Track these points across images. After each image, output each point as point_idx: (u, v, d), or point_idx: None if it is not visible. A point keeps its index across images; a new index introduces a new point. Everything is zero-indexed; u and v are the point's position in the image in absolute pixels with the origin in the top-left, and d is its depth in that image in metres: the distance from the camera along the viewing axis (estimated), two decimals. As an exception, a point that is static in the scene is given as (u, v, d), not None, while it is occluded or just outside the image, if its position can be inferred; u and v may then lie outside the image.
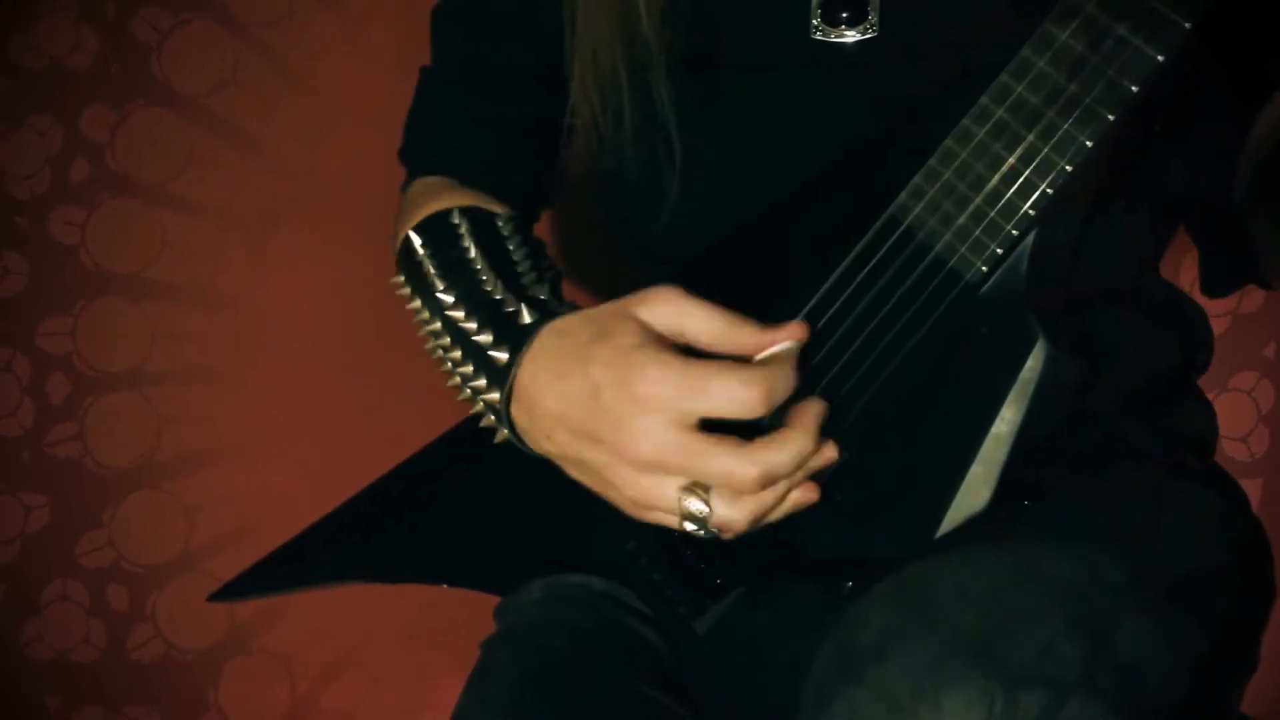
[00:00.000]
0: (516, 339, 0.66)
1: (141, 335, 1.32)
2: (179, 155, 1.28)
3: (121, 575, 1.36)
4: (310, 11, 1.27)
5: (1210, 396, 0.83)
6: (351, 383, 1.34)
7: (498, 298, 0.69)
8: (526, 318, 0.66)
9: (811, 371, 0.67)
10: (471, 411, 0.70)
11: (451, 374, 0.71)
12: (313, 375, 1.34)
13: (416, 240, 0.74)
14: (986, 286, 0.64)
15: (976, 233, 0.63)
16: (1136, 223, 0.75)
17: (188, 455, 1.35)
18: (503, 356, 0.66)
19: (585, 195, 0.84)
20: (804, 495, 0.63)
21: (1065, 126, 0.60)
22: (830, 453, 0.63)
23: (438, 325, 0.71)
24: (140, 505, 1.35)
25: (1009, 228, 0.62)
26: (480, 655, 0.76)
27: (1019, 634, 0.55)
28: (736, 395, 0.58)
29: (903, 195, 0.65)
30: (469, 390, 0.69)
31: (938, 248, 0.64)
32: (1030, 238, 0.62)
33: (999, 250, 0.62)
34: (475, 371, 0.68)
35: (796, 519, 0.64)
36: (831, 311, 0.67)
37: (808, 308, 0.68)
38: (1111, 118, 0.59)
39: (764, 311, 0.68)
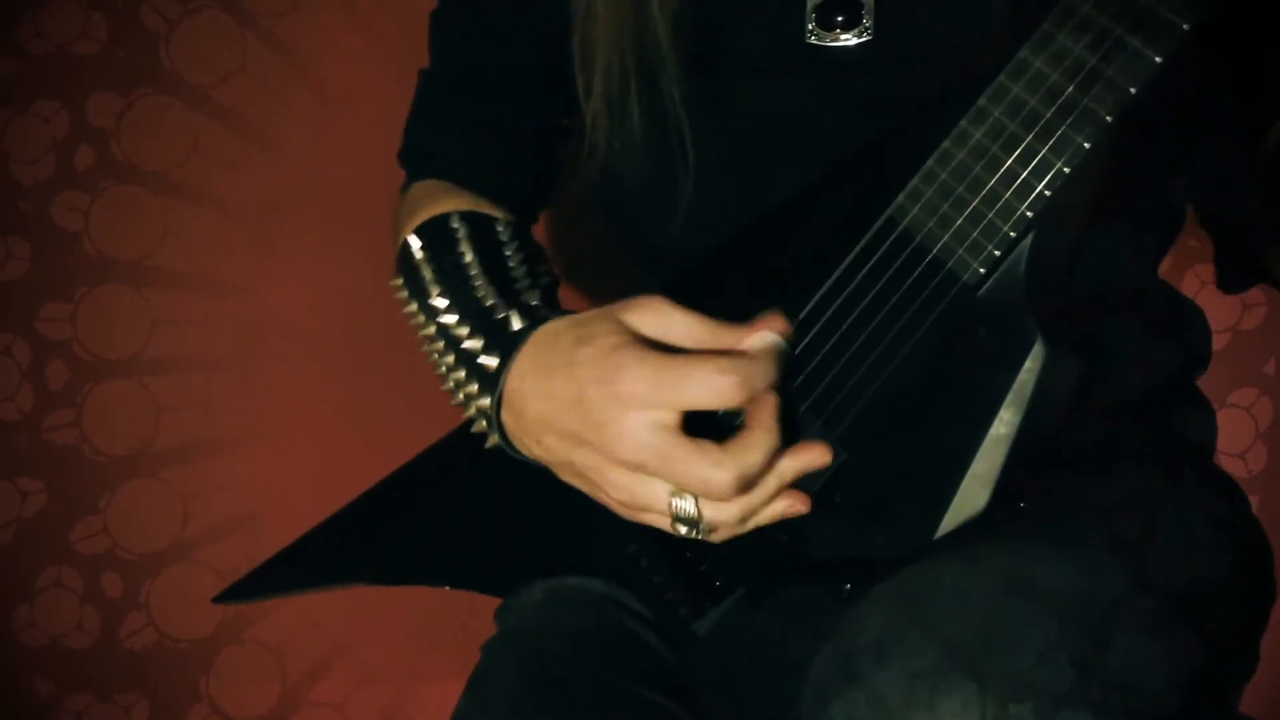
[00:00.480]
0: (506, 345, 0.66)
1: (142, 323, 1.32)
2: (184, 144, 1.28)
3: (116, 563, 1.36)
4: (319, 3, 1.27)
5: (1207, 411, 0.83)
6: (351, 377, 1.34)
7: (489, 304, 0.69)
8: (516, 324, 0.67)
9: (809, 374, 0.67)
10: (465, 416, 0.71)
11: (445, 378, 0.71)
12: (312, 368, 1.34)
13: (415, 244, 0.74)
14: (984, 288, 0.64)
15: (974, 234, 0.63)
16: (1136, 225, 0.75)
17: (185, 445, 1.35)
18: (492, 363, 0.66)
19: (585, 197, 0.84)
20: (794, 505, 0.64)
21: (1063, 128, 0.60)
22: (822, 454, 0.63)
23: (432, 330, 0.71)
24: (136, 493, 1.35)
25: (1007, 229, 0.62)
26: (480, 657, 0.76)
27: (1012, 644, 0.55)
28: (713, 383, 0.58)
29: (901, 197, 0.65)
30: (462, 396, 0.70)
31: (936, 249, 0.64)
32: (1028, 239, 0.62)
33: (997, 252, 0.63)
34: (467, 378, 0.68)
35: (796, 521, 0.65)
36: (829, 313, 0.67)
37: (806, 310, 0.68)
38: (1110, 119, 0.59)
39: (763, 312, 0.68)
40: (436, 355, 0.71)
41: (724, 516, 0.61)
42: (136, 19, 1.25)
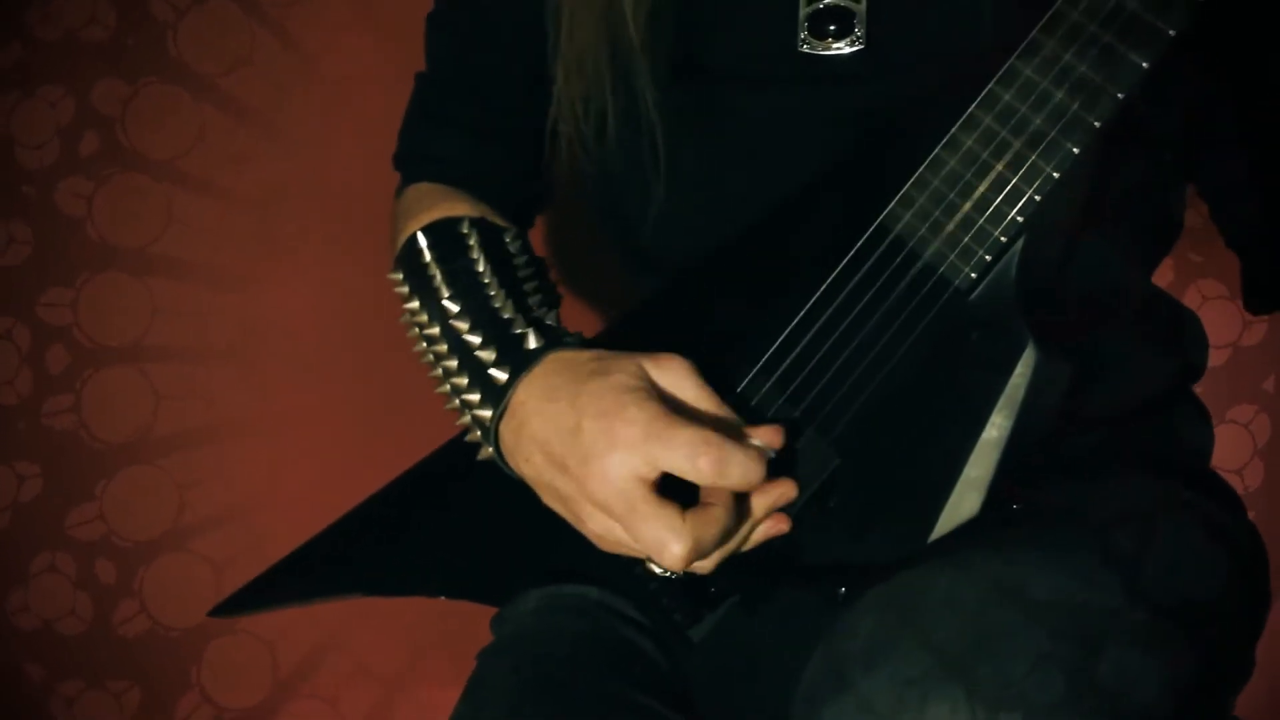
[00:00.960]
0: (519, 362, 0.66)
1: (143, 311, 1.32)
2: (190, 133, 1.28)
3: (110, 549, 1.36)
4: (327, -5, 1.27)
5: (1205, 427, 0.83)
6: (350, 372, 1.34)
7: (506, 316, 0.69)
8: (533, 342, 0.67)
9: (804, 378, 0.68)
10: (458, 422, 0.71)
11: (443, 381, 0.71)
12: (312, 362, 1.34)
13: (424, 241, 0.74)
14: (976, 293, 0.64)
15: (965, 240, 0.64)
16: (1131, 232, 0.75)
17: (183, 433, 1.35)
18: (502, 376, 0.67)
19: (576, 199, 0.84)
20: (775, 526, 0.65)
21: (1052, 134, 0.61)
22: (789, 490, 0.64)
23: (436, 331, 0.71)
24: (133, 480, 1.35)
25: (997, 234, 0.62)
26: (477, 665, 0.76)
27: (1003, 653, 0.55)
28: (694, 451, 0.59)
29: (893, 204, 0.66)
30: (458, 401, 0.70)
31: (927, 255, 0.65)
32: (1019, 244, 0.63)
33: (988, 257, 0.63)
34: (470, 385, 0.68)
35: (790, 527, 0.65)
36: (822, 320, 0.68)
37: (798, 317, 0.68)
38: (1098, 125, 0.59)
39: (758, 321, 0.68)
40: (435, 356, 0.71)
41: (698, 565, 0.63)
42: (145, 7, 1.26)
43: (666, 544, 0.60)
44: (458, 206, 0.79)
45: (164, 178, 1.29)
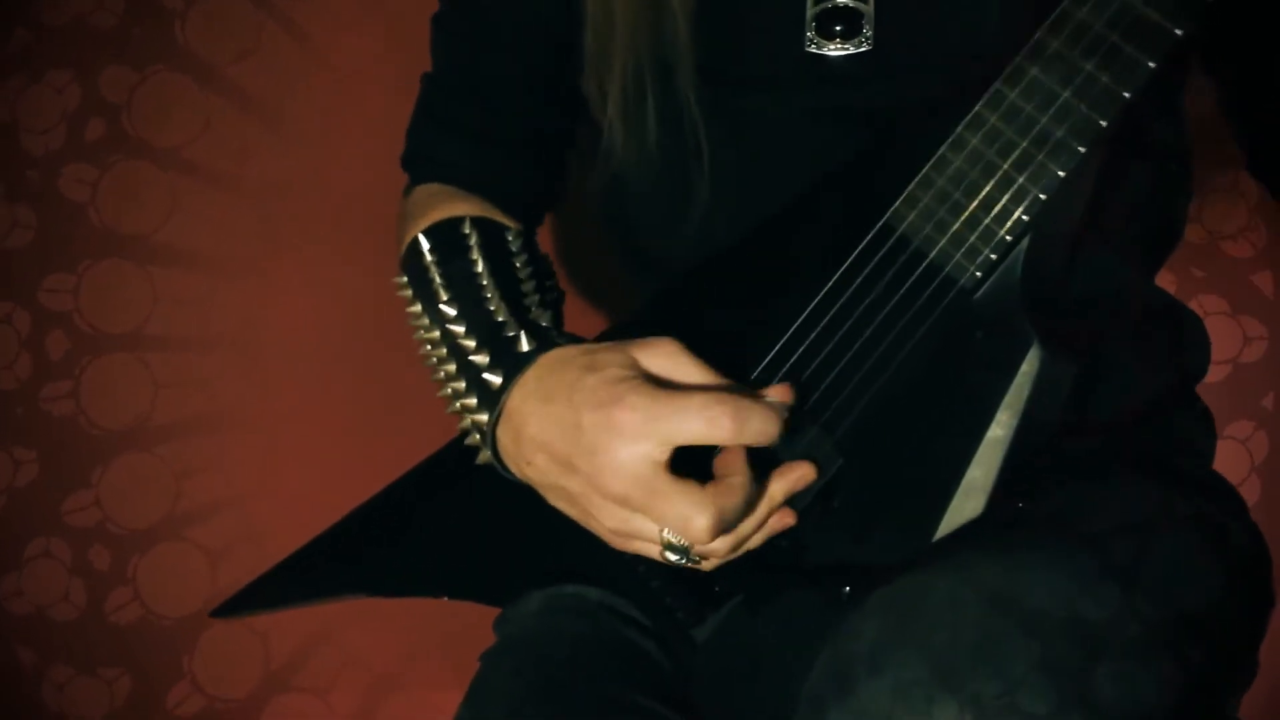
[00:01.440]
0: (512, 365, 0.66)
1: (144, 298, 1.32)
2: (196, 122, 1.28)
3: (105, 536, 1.36)
4: (335, -13, 1.27)
5: (1204, 443, 0.83)
6: (350, 366, 1.34)
7: (499, 319, 0.69)
8: (525, 345, 0.67)
9: (807, 379, 0.67)
10: (459, 426, 0.71)
11: (443, 384, 0.71)
12: (312, 354, 1.34)
13: (425, 244, 0.74)
14: (981, 292, 0.64)
15: (971, 239, 0.63)
16: (1134, 234, 0.75)
17: (181, 422, 1.35)
18: (496, 380, 0.66)
19: (588, 205, 0.84)
20: (780, 520, 0.65)
21: (1058, 134, 0.60)
22: (808, 472, 0.64)
23: (436, 335, 0.71)
24: (129, 468, 1.35)
25: (1003, 233, 0.62)
26: (480, 666, 0.76)
27: (997, 663, 0.55)
28: (707, 415, 0.59)
29: (898, 203, 0.66)
30: (458, 405, 0.70)
31: (933, 254, 0.65)
32: (1024, 243, 0.63)
33: (993, 256, 0.63)
34: (467, 389, 0.68)
35: (794, 527, 0.65)
36: (827, 318, 0.68)
37: (804, 315, 0.68)
38: (1104, 124, 0.59)
39: (763, 321, 0.68)
40: (437, 360, 0.71)
41: (715, 546, 0.62)
42: (154, -5, 1.26)
43: (692, 518, 0.59)
44: (461, 206, 0.79)
45: (169, 166, 1.29)
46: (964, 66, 0.64)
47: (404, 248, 0.77)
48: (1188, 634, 0.61)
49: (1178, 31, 0.57)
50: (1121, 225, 0.73)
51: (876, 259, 0.66)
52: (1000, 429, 0.63)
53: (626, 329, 0.73)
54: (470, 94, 0.83)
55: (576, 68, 0.77)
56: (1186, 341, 0.80)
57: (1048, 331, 0.63)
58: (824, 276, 0.68)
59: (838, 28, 0.70)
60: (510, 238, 0.77)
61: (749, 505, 0.62)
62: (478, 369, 0.68)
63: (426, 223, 0.76)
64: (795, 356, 0.68)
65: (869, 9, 0.69)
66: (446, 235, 0.75)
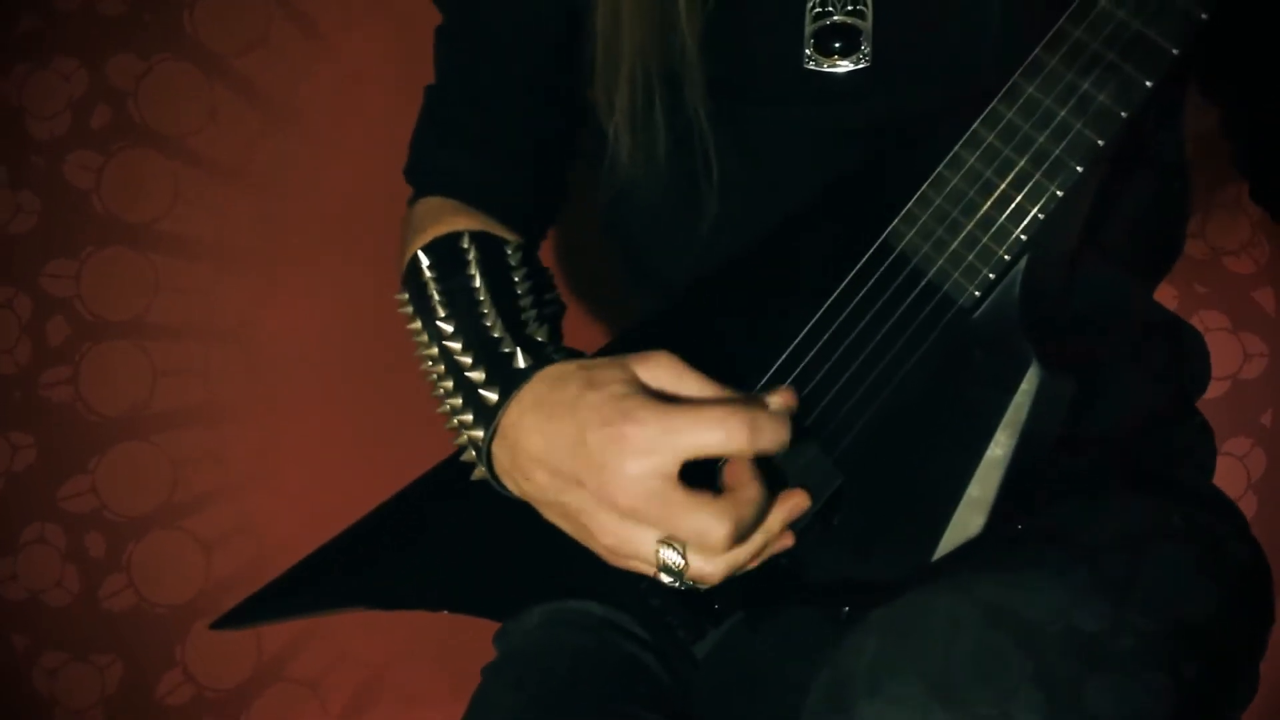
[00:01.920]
0: (508, 382, 0.66)
1: (145, 286, 1.32)
2: (201, 112, 1.28)
3: (101, 523, 1.36)
4: (345, -21, 1.27)
5: (1202, 458, 0.83)
6: (349, 360, 1.34)
7: (495, 335, 0.69)
8: (521, 361, 0.67)
9: (806, 396, 0.67)
10: (455, 442, 0.71)
11: (442, 400, 0.71)
12: (312, 347, 1.34)
13: (424, 261, 0.74)
14: (980, 311, 0.64)
15: (969, 258, 0.63)
16: (1133, 251, 0.75)
17: (179, 411, 1.35)
18: (492, 397, 0.66)
19: (592, 217, 0.84)
20: (779, 543, 0.65)
21: (1056, 152, 0.60)
22: (801, 500, 0.64)
23: (434, 351, 0.71)
24: (127, 455, 1.35)
25: (1001, 253, 0.62)
26: (480, 681, 0.76)
27: (990, 678, 0.56)
28: (721, 427, 0.59)
29: (896, 221, 0.66)
30: (456, 421, 0.70)
31: (931, 273, 0.65)
32: (1023, 262, 0.63)
33: (991, 275, 0.63)
34: (464, 405, 0.68)
35: (794, 545, 0.65)
36: (826, 337, 0.68)
37: (801, 334, 0.68)
38: (1102, 144, 0.59)
39: (762, 339, 0.68)
40: (436, 376, 0.71)
41: (710, 570, 0.61)
42: (164, -17, 1.26)
43: (710, 529, 0.59)
44: (461, 221, 0.79)
45: (173, 155, 1.29)
46: (963, 83, 0.64)
47: (405, 264, 0.77)
48: (1182, 648, 0.61)
49: (1175, 51, 0.57)
50: (1121, 242, 0.73)
51: (875, 277, 0.66)
52: (999, 448, 0.63)
53: (627, 342, 0.73)
54: (473, 104, 0.83)
55: (582, 78, 0.77)
56: (1186, 356, 0.80)
57: (1047, 351, 0.63)
58: (823, 293, 0.68)
59: (836, 45, 0.70)
60: (510, 251, 0.76)
61: (761, 514, 0.62)
62: (473, 385, 0.68)
63: (427, 238, 0.76)
64: (795, 373, 0.68)
65: (867, 26, 0.69)
66: (446, 251, 0.75)
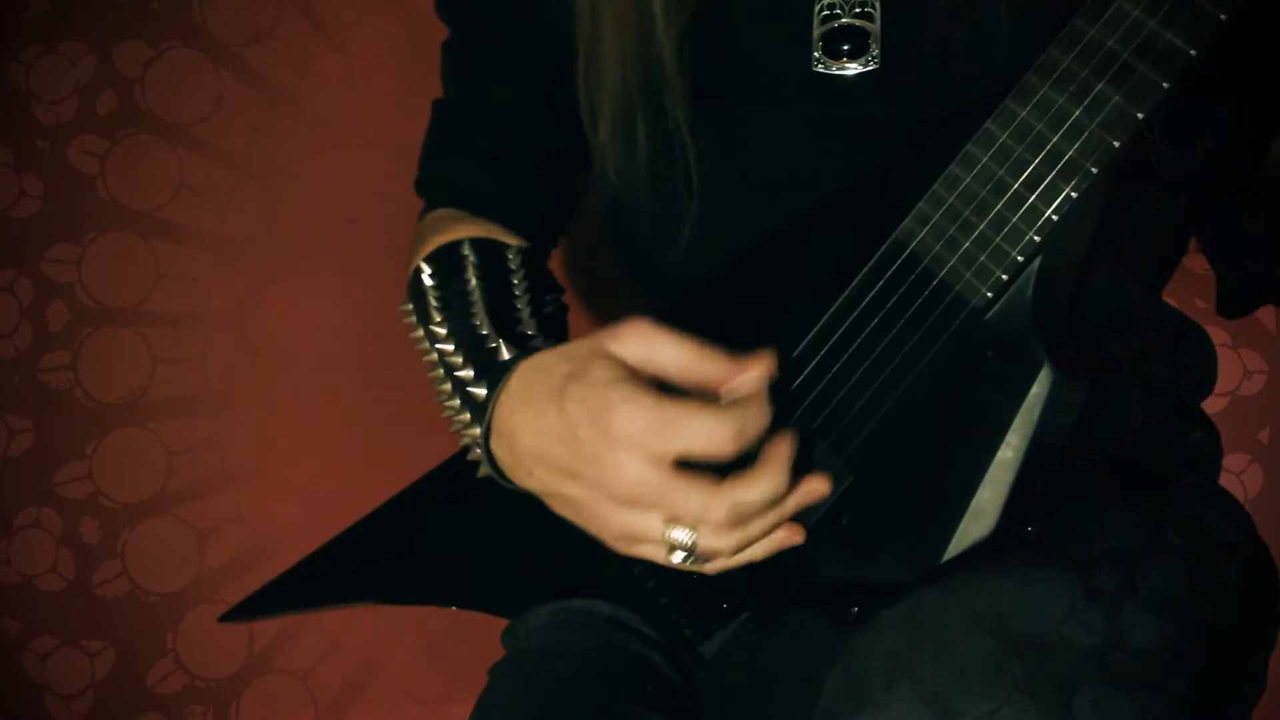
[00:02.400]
0: (494, 375, 0.66)
1: (147, 274, 1.32)
2: (208, 100, 1.28)
3: (96, 509, 1.36)
4: (355, -28, 1.27)
5: (1200, 475, 0.83)
6: (350, 353, 1.34)
7: (483, 333, 0.69)
8: (505, 354, 0.67)
9: (816, 397, 0.67)
10: (460, 444, 0.71)
11: (444, 404, 0.71)
12: (312, 338, 1.34)
13: (425, 270, 0.75)
14: (992, 312, 0.64)
15: (981, 258, 0.63)
16: (1137, 240, 0.75)
17: (178, 399, 1.35)
18: (481, 392, 0.67)
19: (597, 223, 0.85)
20: (789, 537, 0.64)
21: (1070, 153, 0.60)
22: (821, 486, 0.63)
23: (434, 357, 0.72)
24: (124, 442, 1.35)
25: (1014, 254, 0.62)
26: (488, 680, 0.76)
27: (977, 686, 0.56)
28: (707, 435, 0.58)
29: (908, 221, 0.65)
30: (457, 424, 0.70)
31: (943, 273, 0.65)
32: (1036, 264, 0.63)
33: (1004, 276, 0.63)
34: (460, 406, 0.69)
35: (802, 543, 0.65)
36: (836, 336, 0.67)
37: (813, 332, 0.68)
38: (1117, 145, 0.59)
39: (772, 338, 0.68)
40: (436, 382, 0.72)
41: (720, 544, 0.61)
42: (173, -30, 1.26)
43: (708, 508, 0.59)
44: (466, 229, 0.80)
45: (179, 143, 1.29)
46: (973, 84, 0.64)
47: (409, 276, 0.78)
48: (1172, 664, 0.61)
49: (1193, 52, 0.56)
50: (1132, 245, 0.73)
51: (886, 276, 0.66)
52: (1010, 450, 0.63)
53: None
54: (482, 118, 0.83)
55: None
56: (1192, 357, 0.80)
57: (1059, 353, 0.63)
58: (833, 292, 0.67)
59: (845, 47, 0.70)
60: (510, 255, 0.77)
61: (764, 499, 0.60)
62: (464, 383, 0.68)
63: (430, 249, 0.77)
64: (804, 373, 0.68)
65: (875, 28, 0.69)
66: (446, 259, 0.75)
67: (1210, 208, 0.73)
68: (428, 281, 0.74)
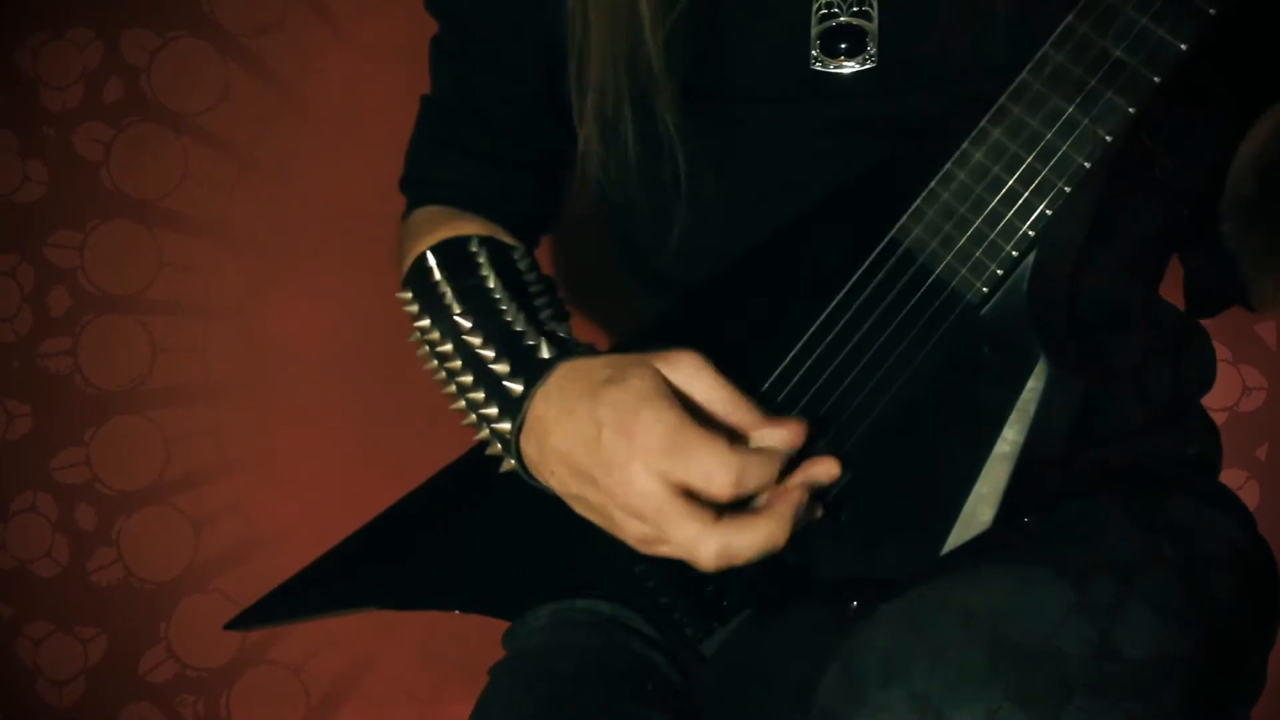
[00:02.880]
0: (533, 372, 0.67)
1: (149, 262, 1.32)
2: (214, 90, 1.28)
3: (93, 496, 1.36)
4: (363, -34, 1.27)
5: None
6: (350, 347, 1.34)
7: (518, 329, 0.70)
8: (545, 352, 0.68)
9: (816, 391, 0.68)
10: (476, 438, 0.71)
11: (457, 396, 0.72)
12: (313, 331, 1.34)
13: (432, 260, 0.75)
14: (987, 308, 0.64)
15: (977, 254, 0.64)
16: (1137, 244, 0.75)
17: (176, 387, 1.35)
18: (517, 388, 0.67)
19: (588, 221, 0.85)
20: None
21: (1063, 148, 0.61)
22: (830, 467, 0.64)
23: (449, 348, 0.72)
24: (122, 429, 1.35)
25: (1009, 249, 0.63)
26: (488, 680, 0.76)
27: (968, 693, 0.56)
28: (705, 473, 0.60)
29: (904, 218, 0.66)
30: (475, 416, 0.70)
31: (939, 270, 0.65)
32: (1030, 259, 0.63)
33: (999, 271, 0.63)
34: (487, 399, 0.69)
35: (802, 540, 0.65)
36: (833, 334, 0.68)
37: (810, 332, 0.68)
38: (1110, 139, 0.60)
39: (769, 336, 0.68)
40: (449, 374, 0.72)
41: (707, 569, 0.62)
42: (183, -40, 1.26)
43: (696, 546, 0.60)
44: (465, 226, 0.80)
45: (184, 132, 1.29)
46: (971, 82, 0.64)
47: (408, 264, 0.78)
48: (1163, 677, 0.61)
49: (1183, 46, 0.57)
50: (1132, 251, 0.73)
51: (883, 273, 0.67)
52: (1007, 445, 0.63)
53: (635, 343, 0.73)
54: (470, 115, 0.83)
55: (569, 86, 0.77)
56: (1192, 352, 0.80)
57: (1055, 347, 0.63)
58: (831, 290, 0.68)
59: (842, 46, 0.70)
60: (517, 257, 0.78)
61: (755, 551, 0.61)
62: (498, 378, 0.68)
63: (432, 240, 0.77)
64: (803, 370, 0.68)
65: (873, 27, 0.70)
66: (454, 253, 0.76)
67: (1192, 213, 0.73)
68: (438, 273, 0.74)
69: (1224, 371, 1.32)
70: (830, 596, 0.66)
